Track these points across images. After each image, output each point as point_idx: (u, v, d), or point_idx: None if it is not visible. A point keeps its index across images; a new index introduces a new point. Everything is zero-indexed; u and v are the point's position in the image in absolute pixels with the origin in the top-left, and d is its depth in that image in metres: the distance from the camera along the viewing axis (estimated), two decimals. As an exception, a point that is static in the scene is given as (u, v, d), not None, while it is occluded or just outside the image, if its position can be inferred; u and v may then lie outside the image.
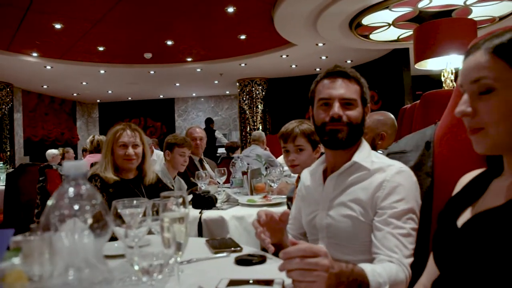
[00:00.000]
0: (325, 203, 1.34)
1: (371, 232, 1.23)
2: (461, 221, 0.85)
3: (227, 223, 2.14)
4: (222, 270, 1.16)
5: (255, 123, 11.14)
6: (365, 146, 1.37)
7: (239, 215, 2.18)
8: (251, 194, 2.85)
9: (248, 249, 1.37)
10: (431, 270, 0.97)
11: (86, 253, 0.65)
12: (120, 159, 2.28)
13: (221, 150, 9.15)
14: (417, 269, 1.13)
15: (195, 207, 2.38)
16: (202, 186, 2.83)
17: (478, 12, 5.58)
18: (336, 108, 1.29)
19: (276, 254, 1.14)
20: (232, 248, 1.32)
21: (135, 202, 0.99)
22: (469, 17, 5.53)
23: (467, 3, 5.27)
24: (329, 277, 0.90)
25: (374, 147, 2.76)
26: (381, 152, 1.79)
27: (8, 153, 10.21)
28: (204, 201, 2.34)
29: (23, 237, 0.78)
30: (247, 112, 11.24)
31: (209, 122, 9.54)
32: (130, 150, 2.26)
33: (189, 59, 9.05)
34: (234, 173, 3.19)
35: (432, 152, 1.35)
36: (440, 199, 1.28)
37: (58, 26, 6.29)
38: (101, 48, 7.83)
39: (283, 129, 2.17)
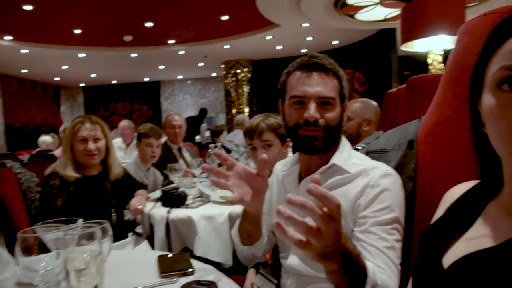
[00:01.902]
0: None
1: None
2: (447, 259, 0.67)
3: (196, 224, 1.98)
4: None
5: (241, 106, 10.92)
6: (345, 146, 1.21)
7: (208, 215, 2.02)
8: (228, 187, 2.66)
9: (202, 268, 1.21)
10: None
11: None
12: (80, 155, 2.10)
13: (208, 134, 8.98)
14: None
15: (164, 205, 2.22)
16: (175, 179, 2.66)
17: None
18: (312, 110, 1.10)
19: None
20: (183, 271, 1.15)
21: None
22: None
23: None
24: (328, 246, 0.69)
25: (359, 135, 2.62)
26: (361, 147, 1.62)
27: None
28: (173, 199, 2.17)
29: None
30: (233, 94, 11.02)
31: (202, 113, 9.27)
32: (91, 145, 2.08)
33: (171, 42, 8.74)
34: (211, 164, 3.01)
35: (415, 153, 1.18)
36: (423, 207, 1.12)
37: (28, 7, 5.95)
38: (77, 31, 7.49)
39: (247, 125, 1.99)
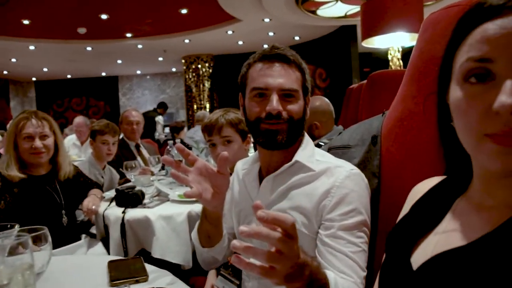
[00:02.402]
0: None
1: (315, 247, 1.02)
2: (416, 258, 0.63)
3: (153, 224, 1.87)
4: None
5: (202, 101, 10.77)
6: (308, 142, 1.16)
7: (167, 214, 1.92)
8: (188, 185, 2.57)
9: (156, 272, 1.12)
10: None
11: None
12: (26, 153, 1.94)
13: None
14: None
15: (118, 205, 2.09)
16: (132, 177, 2.53)
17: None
18: (275, 102, 1.04)
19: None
20: (136, 277, 1.06)
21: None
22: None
23: None
24: (292, 266, 0.66)
25: (313, 137, 2.60)
26: (323, 144, 1.59)
27: None
28: (128, 198, 2.05)
29: None
30: (194, 90, 10.85)
31: (160, 106, 8.98)
32: (38, 143, 1.93)
33: (128, 35, 8.48)
34: (169, 162, 2.89)
35: (379, 149, 1.15)
36: (388, 205, 1.09)
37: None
38: (26, 22, 7.09)
39: (206, 120, 1.92)
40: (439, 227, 0.66)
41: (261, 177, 1.17)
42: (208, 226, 1.16)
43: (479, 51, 0.53)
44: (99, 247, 2.06)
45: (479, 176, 0.62)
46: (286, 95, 1.06)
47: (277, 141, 1.06)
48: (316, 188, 1.05)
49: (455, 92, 0.57)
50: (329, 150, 1.30)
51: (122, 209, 2.01)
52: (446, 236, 0.62)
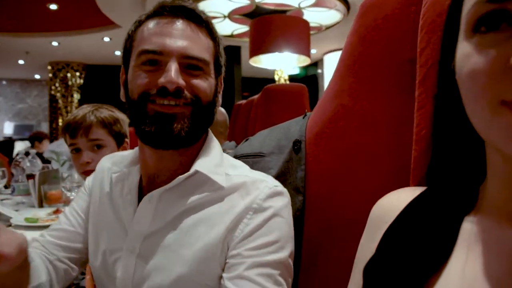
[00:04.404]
0: (136, 238, 0.75)
1: None
2: None
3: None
4: None
5: (69, 114, 9.70)
6: (215, 145, 0.83)
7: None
8: (40, 206, 2.03)
9: None
10: None
11: None
12: None
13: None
14: None
15: None
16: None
17: (309, 18, 5.82)
18: (173, 71, 0.70)
19: None
20: None
21: None
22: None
23: (301, 5, 5.48)
24: None
25: None
26: (228, 152, 1.30)
27: None
28: None
29: None
30: (60, 101, 9.73)
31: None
32: None
33: (-19, 28, 7.17)
34: (17, 176, 2.29)
35: (304, 157, 0.90)
36: (315, 231, 0.84)
37: None
38: None
39: (69, 117, 1.47)
40: (452, 263, 0.43)
41: (141, 190, 0.81)
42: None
43: None
44: None
45: (502, 173, 0.42)
46: (191, 66, 0.73)
47: (173, 132, 0.71)
48: (225, 212, 0.73)
49: (462, 50, 0.42)
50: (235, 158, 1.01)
51: None
52: (474, 278, 0.38)
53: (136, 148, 0.84)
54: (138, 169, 0.81)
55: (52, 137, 9.31)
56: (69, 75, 9.75)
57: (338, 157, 0.83)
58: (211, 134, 0.84)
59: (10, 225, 1.69)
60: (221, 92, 0.84)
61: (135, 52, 0.74)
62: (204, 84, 0.74)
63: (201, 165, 0.75)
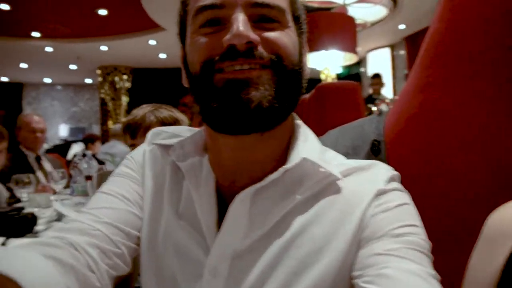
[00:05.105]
0: (223, 256, 0.55)
1: None
2: None
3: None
4: None
5: (119, 117, 10.03)
6: (305, 129, 0.63)
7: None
8: (98, 207, 2.08)
9: None
10: None
11: None
12: None
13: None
14: None
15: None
16: (24, 196, 2.01)
17: (353, 15, 5.70)
18: (241, 22, 0.51)
19: None
20: None
21: None
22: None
23: (346, 1, 5.41)
24: None
25: None
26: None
27: None
28: (12, 224, 1.51)
29: None
30: (110, 104, 10.06)
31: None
32: None
33: (36, 34, 7.50)
34: (75, 177, 2.35)
35: (384, 158, 0.82)
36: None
37: None
38: None
39: (129, 117, 1.46)
40: None
41: (220, 189, 0.61)
42: None
43: None
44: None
45: None
46: (263, 19, 0.54)
47: (251, 102, 0.51)
48: (347, 208, 0.55)
49: None
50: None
51: (2, 239, 1.48)
52: None
53: (201, 130, 0.65)
54: (207, 160, 0.61)
55: (103, 139, 9.67)
56: (117, 78, 10.02)
57: (426, 158, 0.75)
58: (295, 115, 0.64)
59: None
60: (307, 56, 0.62)
61: (191, 14, 0.57)
62: (285, 38, 0.55)
63: (305, 151, 0.57)
